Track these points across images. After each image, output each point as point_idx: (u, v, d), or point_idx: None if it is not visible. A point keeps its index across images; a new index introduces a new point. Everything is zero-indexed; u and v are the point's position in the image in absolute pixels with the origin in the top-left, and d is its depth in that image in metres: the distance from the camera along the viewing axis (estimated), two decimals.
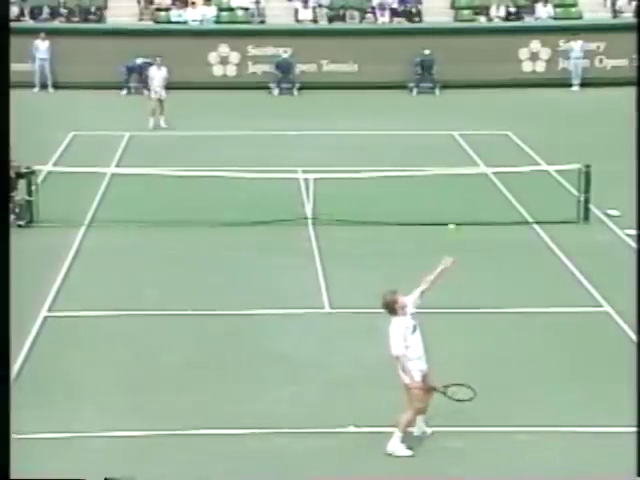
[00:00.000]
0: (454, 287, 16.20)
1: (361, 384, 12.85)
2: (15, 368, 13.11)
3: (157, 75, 27.76)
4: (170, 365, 13.40)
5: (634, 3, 35.34)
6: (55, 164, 23.05)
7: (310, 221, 19.08)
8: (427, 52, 32.99)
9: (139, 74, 32.76)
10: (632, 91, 25.39)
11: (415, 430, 11.44)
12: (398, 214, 19.47)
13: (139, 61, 32.39)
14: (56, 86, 32.94)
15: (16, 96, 33.11)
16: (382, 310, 11.56)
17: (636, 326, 13.93)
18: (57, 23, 34.86)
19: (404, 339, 11.08)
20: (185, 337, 14.33)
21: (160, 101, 27.41)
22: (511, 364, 13.53)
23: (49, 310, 15.21)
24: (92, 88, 31.95)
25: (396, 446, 11.13)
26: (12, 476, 7.39)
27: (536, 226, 19.18)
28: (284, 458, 11.16)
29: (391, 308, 11.38)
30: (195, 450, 11.31)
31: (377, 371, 13.20)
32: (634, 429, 10.69)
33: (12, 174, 18.02)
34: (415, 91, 33.33)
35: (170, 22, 35.36)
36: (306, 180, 20.11)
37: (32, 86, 32.54)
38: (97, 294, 15.92)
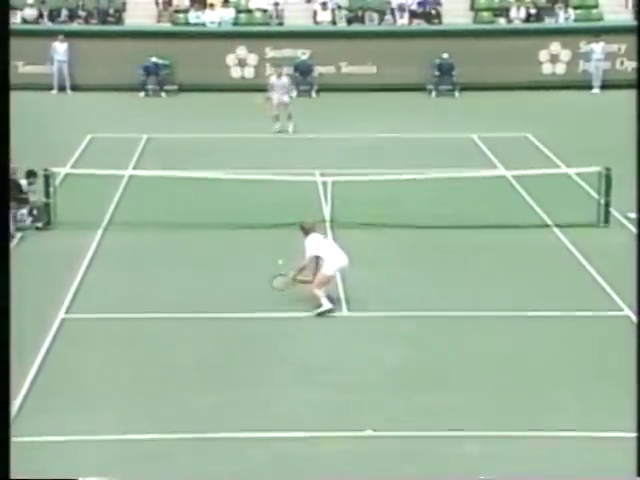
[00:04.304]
0: (473, 290, 16.22)
1: (379, 388, 12.83)
2: (32, 370, 13.17)
3: (277, 84, 27.81)
4: (186, 368, 13.43)
5: None
6: (73, 166, 23.13)
7: (328, 224, 19.08)
8: (445, 56, 32.95)
9: (156, 75, 32.88)
10: None
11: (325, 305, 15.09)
12: (417, 217, 19.46)
13: (154, 59, 32.50)
14: (74, 88, 33.08)
15: (34, 98, 33.11)
16: (302, 230, 15.65)
17: (636, 325, 13.94)
18: (75, 25, 35.02)
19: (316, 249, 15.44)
20: (201, 340, 14.36)
21: (285, 106, 27.43)
22: (529, 368, 13.50)
23: (66, 312, 15.26)
24: (110, 90, 32.08)
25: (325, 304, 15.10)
26: (13, 476, 7.43)
27: (556, 229, 19.13)
28: (300, 462, 11.16)
29: (311, 231, 15.62)
30: (210, 454, 11.33)
31: (396, 375, 13.21)
32: None
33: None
34: (434, 93, 33.30)
35: (188, 24, 35.47)
36: (324, 182, 20.12)
37: (50, 88, 32.69)
38: (114, 296, 15.97)
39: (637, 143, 14.54)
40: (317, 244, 15.53)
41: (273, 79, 28.31)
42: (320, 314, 15.11)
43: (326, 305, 15.19)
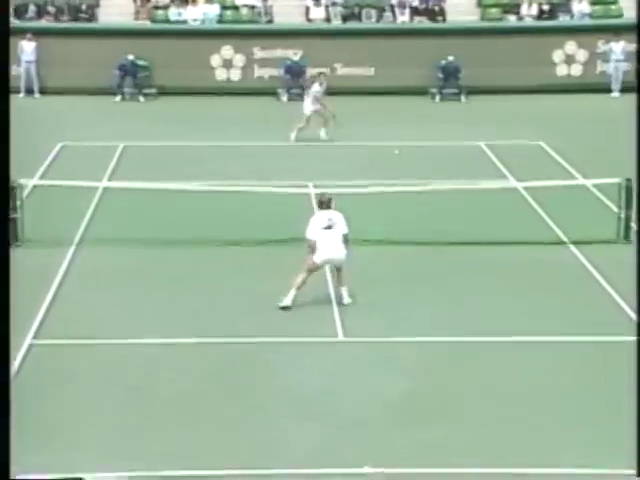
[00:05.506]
0: (482, 313, 16.26)
1: (378, 421, 12.85)
2: None
3: (320, 93, 27.42)
4: (168, 400, 13.42)
5: None
6: (42, 177, 23.16)
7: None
8: (450, 57, 33.05)
9: (133, 76, 32.94)
10: None
11: (287, 300, 16.10)
12: (419, 232, 19.52)
13: (130, 57, 32.55)
14: (43, 91, 33.14)
15: None
16: (321, 206, 16.55)
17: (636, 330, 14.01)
18: (44, 22, 35.09)
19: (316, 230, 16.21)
20: (183, 368, 14.36)
21: (318, 114, 27.31)
22: (541, 400, 13.51)
23: (35, 337, 15.26)
24: (83, 94, 32.14)
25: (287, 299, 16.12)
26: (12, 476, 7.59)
27: (572, 246, 19.19)
28: None
29: (326, 204, 16.47)
30: None
31: (396, 407, 13.23)
32: None
33: None
34: (438, 97, 33.43)
35: (168, 21, 35.56)
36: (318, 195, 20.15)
37: (17, 91, 32.70)
38: (88, 320, 15.97)
39: (637, 147, 14.64)
40: (316, 227, 16.25)
41: (317, 87, 27.63)
42: (282, 307, 16.15)
43: (286, 301, 16.12)
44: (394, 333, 15.42)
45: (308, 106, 27.44)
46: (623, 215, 19.47)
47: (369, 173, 23.63)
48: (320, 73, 28.79)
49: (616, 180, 19.78)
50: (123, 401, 13.41)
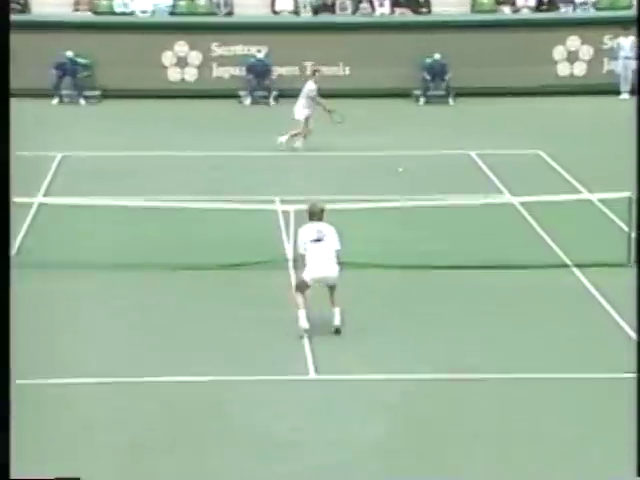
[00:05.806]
0: (473, 346, 16.30)
1: (353, 470, 12.85)
2: None
3: (315, 89, 27.34)
4: (115, 448, 13.35)
5: None
6: None
7: (291, 263, 19.15)
8: (437, 55, 33.23)
9: (73, 76, 32.91)
10: None
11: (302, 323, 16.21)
12: (403, 254, 19.58)
13: (70, 54, 32.51)
14: None
15: None
16: (309, 215, 16.67)
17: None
18: None
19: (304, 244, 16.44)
20: (134, 411, 14.33)
21: (308, 120, 27.25)
22: (542, 445, 13.52)
23: None
24: (14, 96, 31.85)
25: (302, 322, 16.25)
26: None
27: (576, 270, 19.27)
28: None
29: (318, 216, 16.63)
30: None
31: (374, 454, 13.24)
32: None
33: None
34: (423, 100, 33.57)
35: (113, 13, 35.58)
36: (285, 213, 20.20)
37: None
38: (20, 357, 15.90)
39: (637, 153, 14.76)
40: (305, 240, 16.41)
41: (312, 86, 27.62)
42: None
43: (302, 323, 16.24)
44: (375, 369, 15.42)
45: (300, 110, 27.35)
46: (633, 234, 19.46)
47: (344, 187, 23.68)
48: (315, 70, 28.75)
49: (625, 194, 19.83)
50: (69, 451, 13.35)
